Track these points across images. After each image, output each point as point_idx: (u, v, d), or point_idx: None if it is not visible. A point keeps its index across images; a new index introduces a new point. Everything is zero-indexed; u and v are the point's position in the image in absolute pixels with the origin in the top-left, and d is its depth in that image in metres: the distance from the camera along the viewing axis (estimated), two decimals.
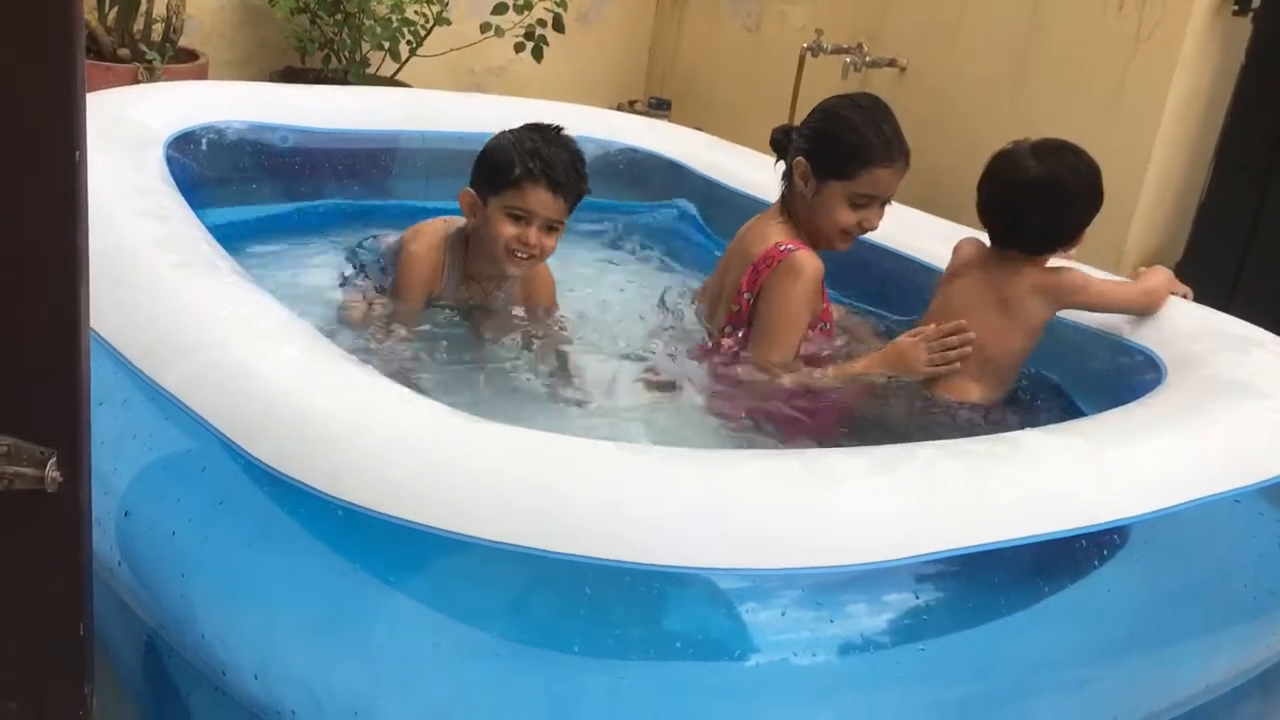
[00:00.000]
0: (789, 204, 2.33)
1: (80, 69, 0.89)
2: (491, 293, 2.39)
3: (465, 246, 2.33)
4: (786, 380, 2.20)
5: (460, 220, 2.33)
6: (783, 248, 2.23)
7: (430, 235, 2.34)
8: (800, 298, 2.22)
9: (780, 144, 2.37)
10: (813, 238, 2.30)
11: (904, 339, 2.22)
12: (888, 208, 2.33)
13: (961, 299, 2.24)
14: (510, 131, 2.26)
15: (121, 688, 1.53)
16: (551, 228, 2.22)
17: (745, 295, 2.27)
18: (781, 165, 2.37)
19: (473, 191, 2.25)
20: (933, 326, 2.20)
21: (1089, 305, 2.23)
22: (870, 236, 2.47)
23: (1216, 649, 1.55)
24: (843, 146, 2.23)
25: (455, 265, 2.33)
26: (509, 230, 2.20)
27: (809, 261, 2.22)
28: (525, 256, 2.23)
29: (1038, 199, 2.10)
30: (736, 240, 2.43)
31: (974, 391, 2.21)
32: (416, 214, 3.09)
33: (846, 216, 2.25)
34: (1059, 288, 2.17)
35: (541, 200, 2.18)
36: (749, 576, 1.25)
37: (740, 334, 2.29)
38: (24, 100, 0.86)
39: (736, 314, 2.29)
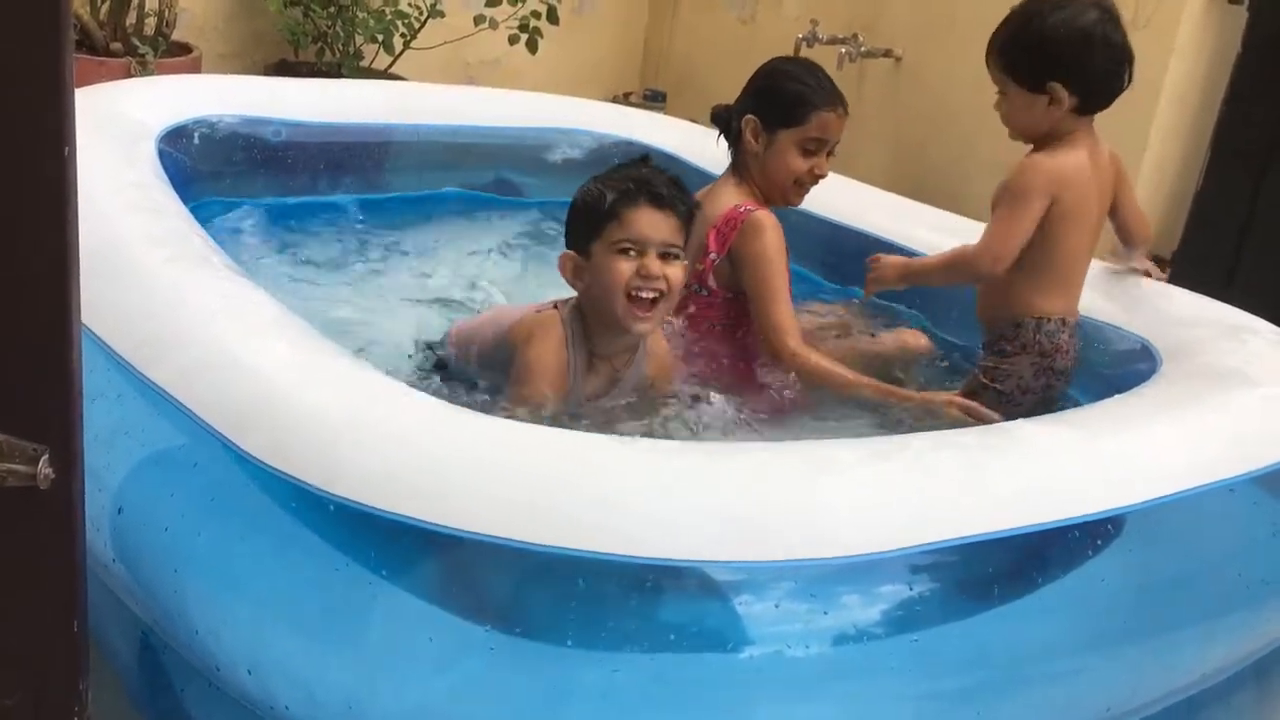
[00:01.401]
0: (740, 168, 2.42)
1: (69, 64, 0.88)
2: (624, 373, 2.03)
3: (584, 325, 1.96)
4: (815, 365, 2.21)
5: (566, 297, 1.99)
6: (742, 209, 2.31)
7: (548, 331, 1.93)
8: (774, 249, 2.28)
9: (722, 119, 2.45)
10: (767, 194, 2.39)
11: (955, 406, 2.10)
12: (885, 197, 2.35)
13: None
14: (593, 177, 1.99)
15: (117, 684, 1.53)
16: (670, 254, 1.91)
17: (711, 256, 2.31)
18: (723, 142, 2.45)
19: (572, 253, 1.94)
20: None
21: None
22: (862, 225, 2.47)
23: (1211, 638, 1.55)
24: (788, 96, 2.35)
25: (579, 355, 1.97)
26: (625, 268, 1.87)
27: (768, 218, 2.30)
28: (651, 296, 1.89)
29: None
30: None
31: None
32: (412, 206, 3.11)
33: (799, 163, 2.35)
34: None
35: (649, 221, 1.89)
36: (743, 569, 1.25)
37: (708, 293, 2.34)
38: (12, 96, 0.85)
39: (701, 273, 2.33)
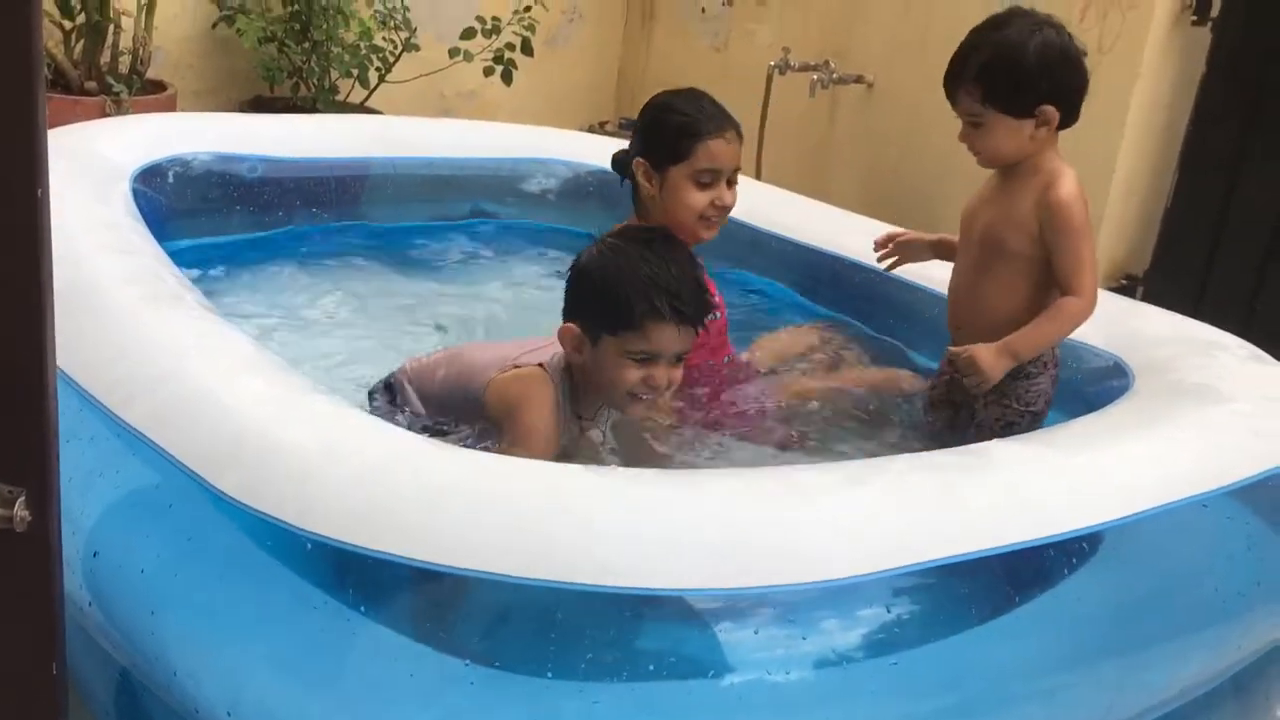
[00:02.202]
0: (642, 214, 2.34)
1: (41, 104, 0.89)
2: (600, 422, 2.04)
3: (571, 387, 1.93)
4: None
5: (552, 355, 1.94)
6: None
7: (542, 394, 1.88)
8: None
9: (619, 164, 2.38)
10: (678, 233, 2.26)
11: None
12: (858, 221, 2.33)
13: None
14: (613, 250, 1.86)
15: None
16: (679, 359, 1.87)
17: None
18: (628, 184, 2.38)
19: (575, 329, 1.87)
20: None
21: None
22: (843, 252, 2.47)
23: (1188, 653, 1.56)
24: (671, 130, 2.25)
25: (566, 414, 1.94)
26: (632, 375, 1.82)
27: None
28: (650, 398, 1.89)
29: None
30: None
31: None
32: (387, 237, 3.11)
33: (697, 198, 2.24)
34: None
35: (669, 338, 1.82)
36: (720, 596, 1.26)
37: None
38: None
39: None
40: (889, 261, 2.40)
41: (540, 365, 1.90)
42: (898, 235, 2.38)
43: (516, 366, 1.91)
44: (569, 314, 1.89)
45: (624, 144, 2.43)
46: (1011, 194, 2.05)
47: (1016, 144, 2.01)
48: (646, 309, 1.78)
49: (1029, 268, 2.04)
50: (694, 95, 2.30)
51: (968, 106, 2.02)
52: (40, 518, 0.94)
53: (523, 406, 1.84)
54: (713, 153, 2.23)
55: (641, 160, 2.28)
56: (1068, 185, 2.00)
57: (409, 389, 2.02)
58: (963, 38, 2.08)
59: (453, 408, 1.96)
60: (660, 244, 1.88)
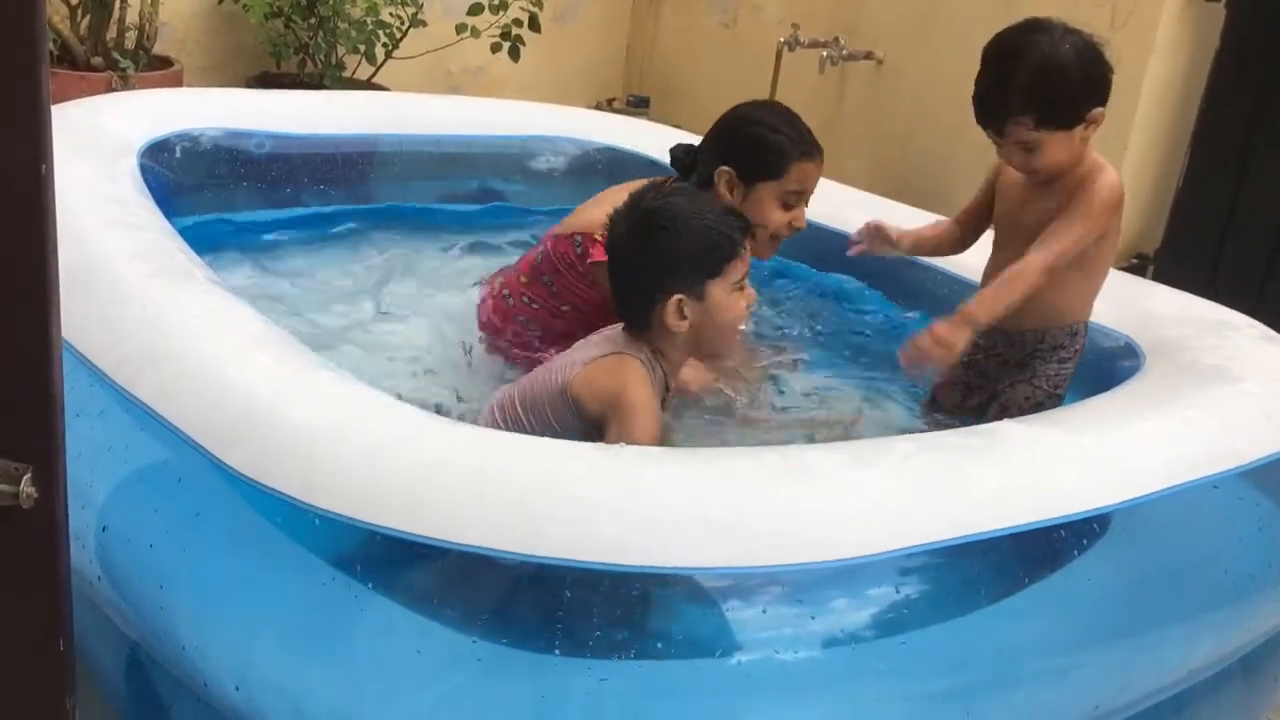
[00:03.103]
0: None
1: (45, 79, 0.88)
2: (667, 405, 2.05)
3: (659, 366, 1.89)
4: None
5: (616, 343, 1.88)
6: None
7: (640, 372, 1.83)
8: None
9: (683, 161, 2.37)
10: None
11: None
12: (866, 198, 2.32)
13: None
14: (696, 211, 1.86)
15: (104, 701, 1.52)
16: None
17: None
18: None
19: (680, 296, 1.82)
20: None
21: None
22: (847, 227, 2.46)
23: (1198, 634, 1.56)
24: (768, 147, 2.26)
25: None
26: (742, 303, 1.88)
27: None
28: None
29: None
30: (609, 196, 2.35)
31: None
32: (394, 217, 3.11)
33: (779, 217, 2.27)
34: None
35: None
36: (728, 575, 1.25)
37: (568, 255, 2.28)
38: None
39: (598, 245, 2.22)
40: (856, 249, 2.37)
41: (619, 351, 1.85)
42: (876, 226, 2.35)
43: (605, 357, 1.86)
44: (659, 289, 1.82)
45: (632, 120, 2.41)
46: (1056, 191, 2.03)
47: (1072, 153, 1.99)
48: (738, 237, 1.86)
49: (1075, 260, 2.02)
50: (787, 113, 2.33)
51: (1020, 135, 1.96)
52: (46, 494, 0.94)
53: (625, 388, 1.79)
54: (804, 174, 2.27)
55: (727, 170, 2.27)
56: (1109, 176, 2.00)
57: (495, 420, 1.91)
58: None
59: (561, 422, 1.85)
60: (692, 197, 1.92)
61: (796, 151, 2.25)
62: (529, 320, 2.34)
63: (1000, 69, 1.96)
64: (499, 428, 1.83)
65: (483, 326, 2.41)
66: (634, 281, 1.86)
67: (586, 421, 1.80)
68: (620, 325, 1.90)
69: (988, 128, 2.00)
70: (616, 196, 2.25)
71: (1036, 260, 1.97)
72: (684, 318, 1.82)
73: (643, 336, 1.86)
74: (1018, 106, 1.93)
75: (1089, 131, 1.97)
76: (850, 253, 2.39)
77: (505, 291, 2.39)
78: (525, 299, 2.35)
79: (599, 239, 2.21)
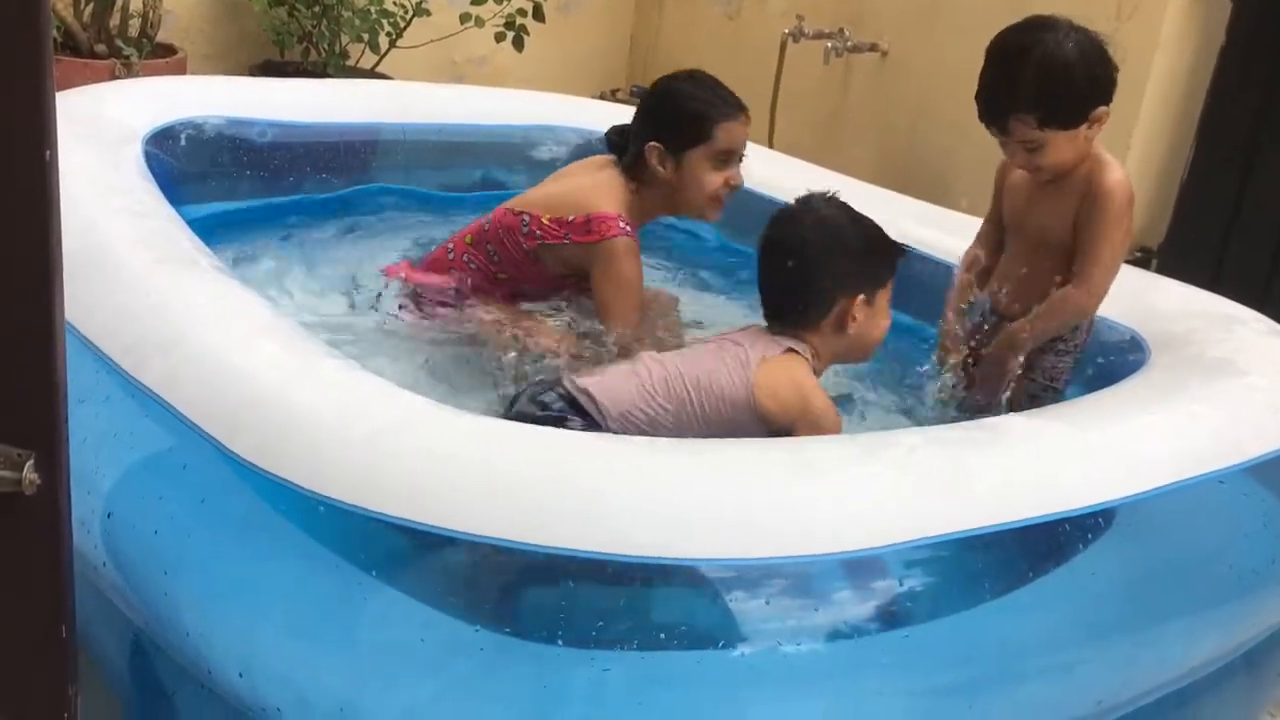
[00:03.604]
0: (639, 183, 2.38)
1: (48, 66, 0.88)
2: None
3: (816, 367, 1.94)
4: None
5: (781, 335, 1.90)
6: (621, 225, 2.30)
7: (813, 376, 1.89)
8: (633, 275, 2.32)
9: (616, 143, 2.44)
10: (683, 213, 2.44)
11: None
12: (871, 191, 2.34)
13: None
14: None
15: (108, 687, 1.52)
16: None
17: (566, 240, 2.32)
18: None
19: (863, 297, 1.89)
20: None
21: None
22: None
23: (1202, 629, 1.55)
24: (689, 114, 2.31)
25: None
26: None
27: (633, 245, 2.31)
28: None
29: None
30: (566, 175, 2.53)
31: None
32: (398, 203, 3.10)
33: (714, 179, 2.32)
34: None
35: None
36: (732, 566, 1.25)
37: (511, 238, 2.36)
38: None
39: (541, 229, 2.33)
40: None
41: (790, 350, 1.87)
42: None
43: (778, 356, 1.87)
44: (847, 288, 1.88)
45: (626, 111, 2.45)
46: (1061, 189, 2.03)
47: (1076, 151, 1.99)
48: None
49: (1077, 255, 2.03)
50: (704, 79, 2.37)
51: (1023, 134, 1.96)
52: (49, 481, 0.94)
53: (809, 398, 1.83)
54: (731, 134, 2.31)
55: (656, 145, 2.32)
56: (1114, 174, 1.99)
57: (619, 421, 1.81)
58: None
59: (728, 424, 1.84)
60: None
61: (718, 113, 2.30)
62: (463, 277, 2.40)
63: (1004, 67, 1.95)
64: (648, 395, 1.80)
65: (410, 275, 2.47)
66: (815, 279, 1.88)
67: (773, 431, 1.82)
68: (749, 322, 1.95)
69: (991, 126, 1.99)
70: (576, 178, 2.32)
71: (1081, 296, 2.01)
72: (855, 319, 1.89)
73: (803, 336, 1.89)
74: (1021, 105, 1.93)
75: (1094, 130, 1.97)
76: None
77: (450, 246, 2.46)
78: (465, 258, 2.41)
79: (548, 223, 2.33)
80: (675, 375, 1.82)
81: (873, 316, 1.91)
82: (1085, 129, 1.96)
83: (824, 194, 1.95)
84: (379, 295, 2.46)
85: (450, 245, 2.47)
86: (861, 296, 1.88)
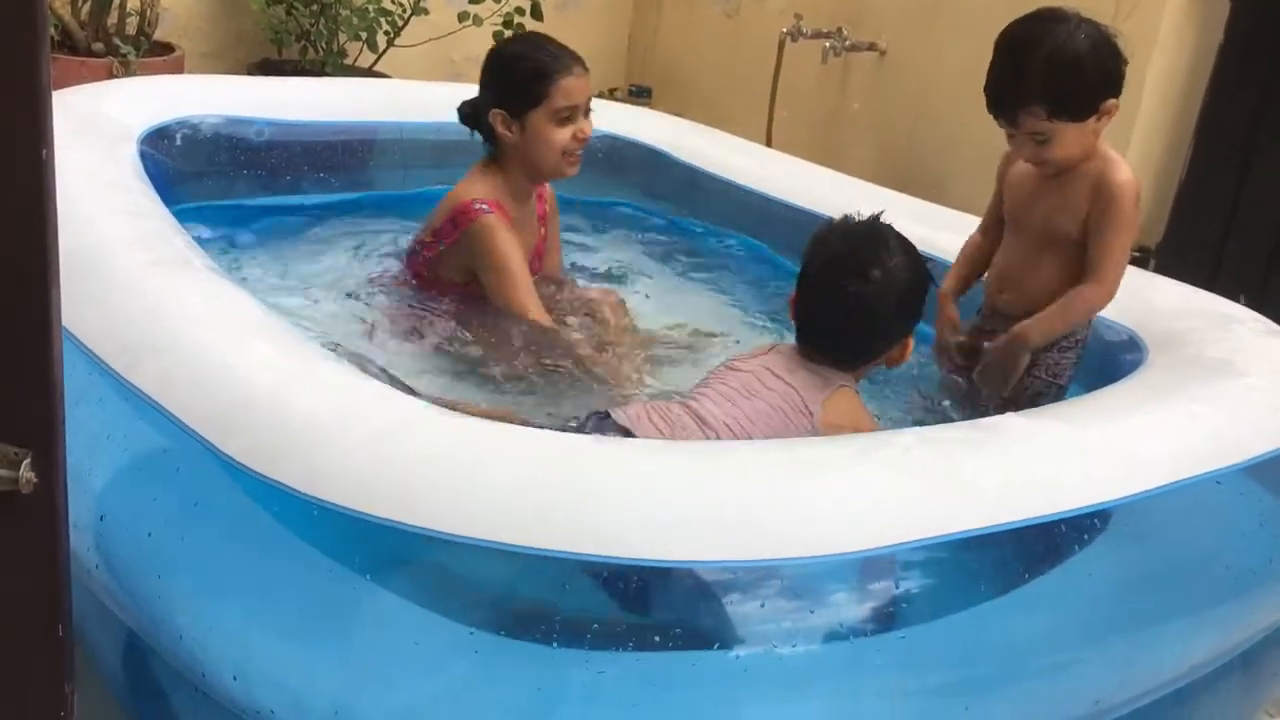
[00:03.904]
0: (498, 159, 2.42)
1: (45, 64, 0.87)
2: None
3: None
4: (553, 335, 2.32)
5: (825, 368, 1.87)
6: (475, 206, 2.34)
7: (494, 219, 2.24)
8: (505, 249, 2.34)
9: (469, 116, 2.45)
10: (540, 175, 2.43)
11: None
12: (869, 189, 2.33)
13: None
14: None
15: (104, 687, 1.52)
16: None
17: (441, 247, 2.39)
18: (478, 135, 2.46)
19: (502, 112, 2.22)
20: None
21: None
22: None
23: (1199, 630, 1.55)
24: (523, 77, 2.33)
25: None
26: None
27: (498, 220, 2.34)
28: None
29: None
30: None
31: None
32: (396, 203, 3.10)
33: (559, 136, 2.34)
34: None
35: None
36: (728, 568, 1.25)
37: (413, 264, 2.46)
38: None
39: (423, 245, 2.42)
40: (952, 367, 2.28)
41: (843, 386, 1.85)
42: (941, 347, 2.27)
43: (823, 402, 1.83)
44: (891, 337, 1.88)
45: (634, 109, 2.47)
46: (1067, 183, 2.03)
47: (1084, 145, 1.99)
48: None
49: (1083, 255, 2.03)
50: (535, 38, 2.42)
51: (1032, 125, 1.95)
52: (46, 480, 0.94)
53: (861, 427, 1.84)
54: (567, 89, 2.32)
55: (499, 111, 2.35)
56: (1123, 170, 1.99)
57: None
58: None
59: None
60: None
61: (551, 71, 2.31)
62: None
63: (1014, 59, 1.95)
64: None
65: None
66: (887, 330, 1.85)
67: None
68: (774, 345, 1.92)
69: (1000, 117, 1.99)
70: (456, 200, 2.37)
71: (1096, 293, 2.01)
72: (899, 354, 1.91)
73: (853, 368, 1.87)
74: (1031, 97, 1.92)
75: (1101, 123, 1.97)
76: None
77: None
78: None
79: (427, 239, 2.41)
80: (742, 431, 1.78)
81: (908, 346, 1.92)
82: (1094, 122, 1.96)
83: (880, 223, 1.87)
84: (375, 296, 2.46)
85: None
86: (910, 335, 1.89)
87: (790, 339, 1.94)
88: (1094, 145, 2.00)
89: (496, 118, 2.35)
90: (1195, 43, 3.37)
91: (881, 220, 1.87)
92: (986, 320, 2.18)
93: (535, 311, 2.33)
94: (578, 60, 2.35)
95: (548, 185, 2.60)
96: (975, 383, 2.17)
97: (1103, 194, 1.98)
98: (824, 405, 1.80)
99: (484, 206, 2.34)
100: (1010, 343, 2.07)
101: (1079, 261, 2.03)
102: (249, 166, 2.90)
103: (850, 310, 1.81)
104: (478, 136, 2.45)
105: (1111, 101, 1.95)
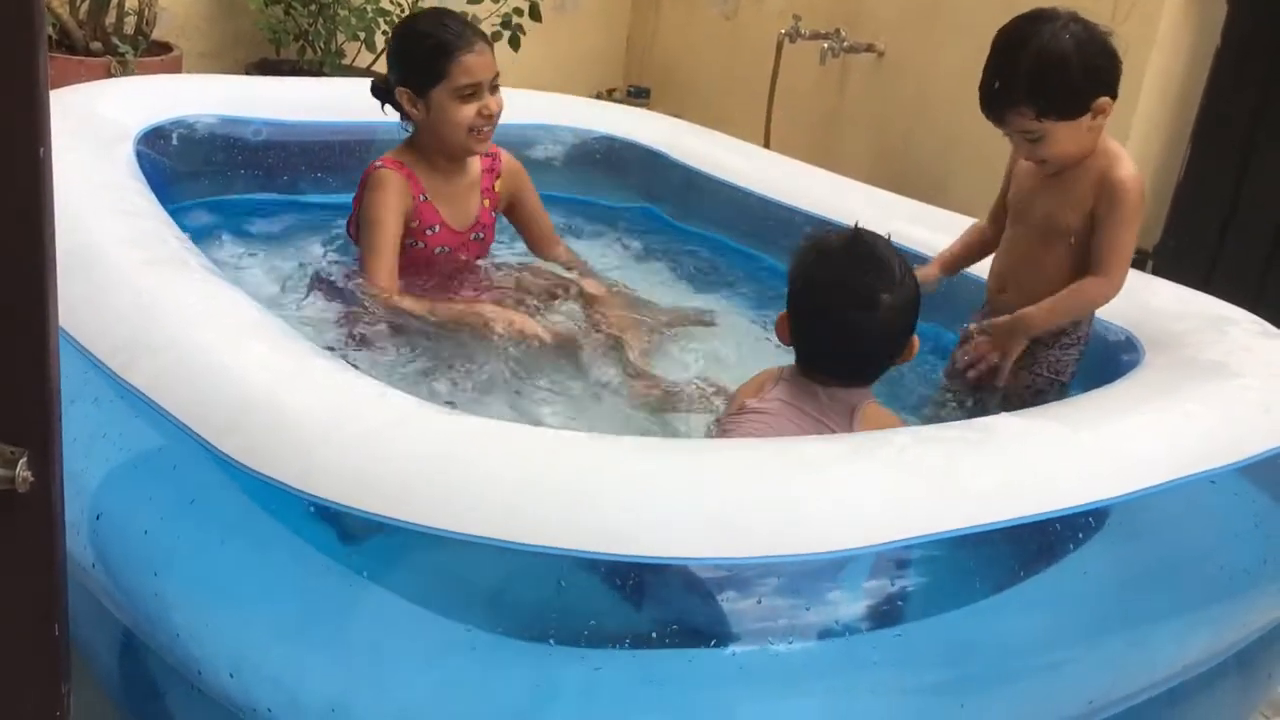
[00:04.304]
0: (415, 136, 2.44)
1: (42, 62, 0.87)
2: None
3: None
4: (382, 300, 2.31)
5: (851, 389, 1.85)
6: (375, 164, 2.38)
7: (384, 174, 2.33)
8: (377, 205, 2.34)
9: (381, 90, 2.45)
10: (450, 152, 2.43)
11: None
12: (865, 190, 2.32)
13: None
14: None
15: (98, 686, 1.52)
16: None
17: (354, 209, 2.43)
18: (390, 111, 2.46)
19: (407, 90, 2.31)
20: None
21: None
22: (842, 219, 2.47)
23: (1193, 630, 1.55)
24: (424, 54, 2.33)
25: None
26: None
27: (390, 175, 2.36)
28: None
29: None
30: None
31: None
32: None
33: (464, 113, 2.34)
34: None
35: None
36: (724, 565, 1.25)
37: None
38: None
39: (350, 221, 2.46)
40: None
41: (871, 401, 1.84)
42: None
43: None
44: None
45: (632, 110, 2.47)
46: (1069, 178, 2.03)
47: (1080, 142, 1.98)
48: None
49: (1085, 250, 2.03)
50: (436, 15, 2.42)
51: (1021, 125, 1.96)
52: (42, 479, 0.94)
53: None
54: (468, 66, 2.32)
55: (403, 89, 2.36)
56: (1127, 166, 1.99)
57: None
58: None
59: None
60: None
61: (451, 47, 2.31)
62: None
63: (1001, 59, 1.96)
64: None
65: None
66: (905, 333, 1.81)
67: None
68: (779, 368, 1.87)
69: (990, 117, 1.99)
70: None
71: (1102, 286, 2.00)
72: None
73: (869, 383, 1.84)
74: (1018, 97, 1.93)
75: (1098, 121, 1.97)
76: None
77: None
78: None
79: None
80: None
81: (915, 344, 1.87)
82: (1089, 120, 1.96)
83: (866, 237, 1.80)
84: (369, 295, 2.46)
85: None
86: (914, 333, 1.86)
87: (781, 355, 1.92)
88: (1092, 143, 2.00)
89: (402, 95, 2.36)
90: (1193, 44, 3.38)
91: (861, 231, 1.81)
92: (985, 320, 2.18)
93: (383, 277, 2.33)
94: (480, 35, 2.36)
95: (502, 156, 2.62)
96: (959, 370, 2.17)
97: (1107, 190, 1.98)
98: (859, 428, 1.78)
99: (380, 163, 2.37)
100: (1012, 323, 2.06)
101: (1080, 260, 2.03)
102: (246, 166, 2.90)
103: (873, 339, 1.79)
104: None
105: (1104, 99, 1.95)
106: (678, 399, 2.19)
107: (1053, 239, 2.07)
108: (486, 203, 2.58)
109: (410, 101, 2.36)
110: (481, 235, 2.57)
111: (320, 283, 2.44)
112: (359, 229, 2.40)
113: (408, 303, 2.31)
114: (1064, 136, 1.96)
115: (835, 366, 1.82)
